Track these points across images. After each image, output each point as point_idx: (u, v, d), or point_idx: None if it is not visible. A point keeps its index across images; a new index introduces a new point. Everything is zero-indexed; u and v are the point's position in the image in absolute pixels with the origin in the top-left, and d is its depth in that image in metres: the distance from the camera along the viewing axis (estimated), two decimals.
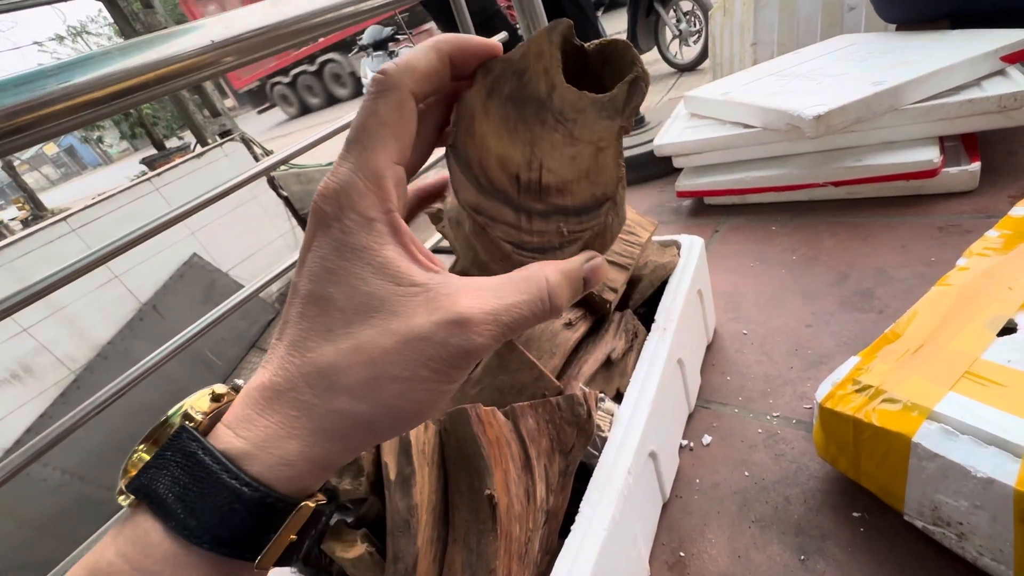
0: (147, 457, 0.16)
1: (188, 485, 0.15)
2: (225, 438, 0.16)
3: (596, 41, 0.21)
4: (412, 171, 0.21)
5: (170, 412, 0.17)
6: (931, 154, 0.74)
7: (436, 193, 0.25)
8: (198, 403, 0.17)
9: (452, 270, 0.26)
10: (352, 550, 0.36)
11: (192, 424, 0.16)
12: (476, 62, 0.20)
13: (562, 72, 0.19)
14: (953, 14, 0.92)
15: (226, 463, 0.15)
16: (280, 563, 0.16)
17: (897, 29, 1.02)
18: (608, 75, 0.21)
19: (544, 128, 0.20)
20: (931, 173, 0.75)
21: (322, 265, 0.17)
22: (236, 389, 0.17)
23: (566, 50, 0.20)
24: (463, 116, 0.20)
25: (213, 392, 0.17)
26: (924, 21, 0.96)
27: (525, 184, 0.20)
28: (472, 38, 0.20)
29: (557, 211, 0.20)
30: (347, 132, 0.18)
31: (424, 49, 0.19)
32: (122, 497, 0.15)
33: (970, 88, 0.74)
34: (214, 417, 0.17)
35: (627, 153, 1.20)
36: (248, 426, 0.16)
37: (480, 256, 0.23)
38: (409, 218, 0.24)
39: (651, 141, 1.07)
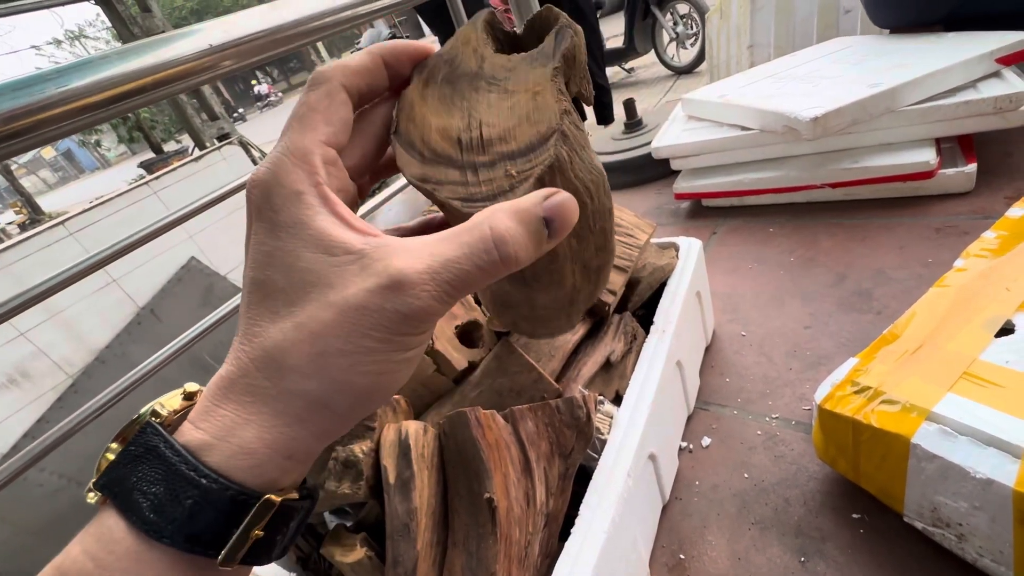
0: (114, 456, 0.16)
1: (152, 480, 0.14)
2: (187, 432, 0.15)
3: (525, 23, 0.22)
4: (361, 167, 0.21)
5: (141, 411, 0.17)
6: (928, 155, 0.74)
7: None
8: (168, 401, 0.17)
9: None
10: (351, 554, 0.36)
11: (158, 420, 0.16)
12: (411, 63, 0.21)
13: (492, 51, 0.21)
14: (947, 19, 0.93)
15: (185, 455, 0.15)
16: (249, 561, 0.16)
17: (891, 33, 1.03)
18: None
19: (479, 92, 0.21)
20: (928, 174, 0.75)
21: (259, 250, 0.16)
22: None
23: (497, 38, 0.22)
24: (403, 107, 0.21)
25: (185, 391, 0.17)
26: (917, 26, 0.97)
27: (467, 144, 0.20)
28: (405, 42, 0.21)
29: (502, 157, 0.20)
30: None
31: (359, 53, 0.20)
32: (91, 495, 0.15)
33: (966, 90, 0.74)
34: (184, 415, 0.17)
35: (625, 156, 1.20)
36: (206, 417, 0.15)
37: None
38: (373, 180, 0.24)
39: (649, 143, 1.07)
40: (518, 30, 0.23)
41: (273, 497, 0.16)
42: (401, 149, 0.21)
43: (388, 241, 0.16)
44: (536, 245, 0.17)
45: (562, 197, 0.18)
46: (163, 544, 0.14)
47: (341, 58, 0.20)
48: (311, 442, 0.16)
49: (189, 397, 0.17)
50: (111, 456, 0.16)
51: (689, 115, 1.06)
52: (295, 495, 0.17)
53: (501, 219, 0.17)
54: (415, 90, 0.21)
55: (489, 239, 0.16)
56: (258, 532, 0.15)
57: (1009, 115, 0.71)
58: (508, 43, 0.23)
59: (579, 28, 0.20)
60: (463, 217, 0.18)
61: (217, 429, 0.15)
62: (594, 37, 2.34)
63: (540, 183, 0.19)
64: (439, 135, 0.20)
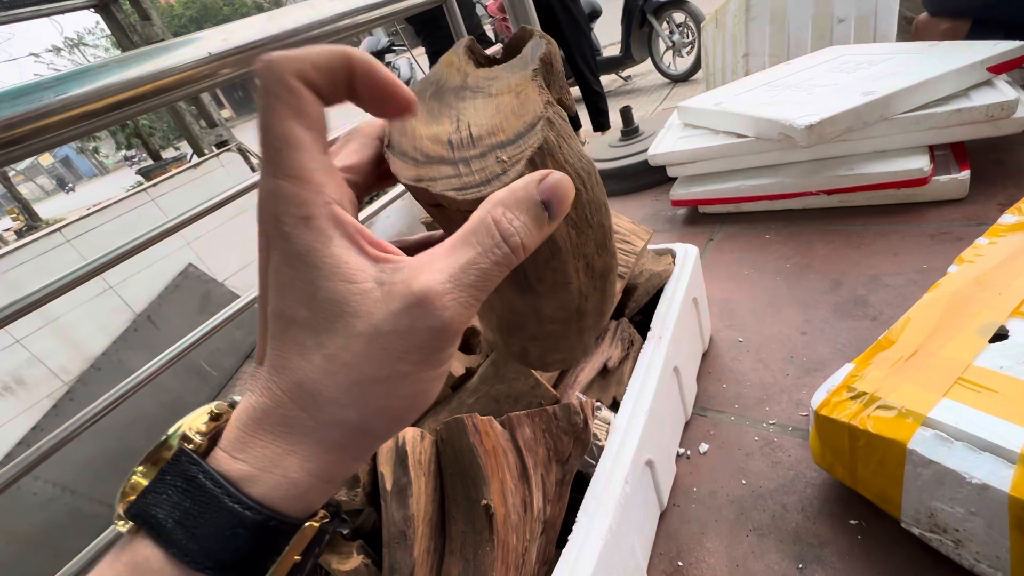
0: (144, 480, 0.15)
1: (189, 510, 0.14)
2: (224, 461, 0.15)
3: (502, 46, 0.25)
4: (362, 185, 0.21)
5: (169, 433, 0.16)
6: (921, 163, 0.75)
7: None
8: (196, 423, 0.16)
9: None
10: (348, 562, 0.36)
11: (191, 446, 0.16)
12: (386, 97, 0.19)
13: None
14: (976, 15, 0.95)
15: (227, 486, 0.15)
16: None
17: (920, 24, 1.04)
18: None
19: (465, 101, 0.22)
20: (922, 181, 0.76)
21: (275, 279, 0.16)
22: (233, 405, 0.17)
23: (479, 62, 0.23)
24: (395, 125, 0.22)
25: (211, 411, 0.17)
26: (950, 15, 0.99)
27: (457, 143, 0.20)
28: (377, 122, 0.21)
29: (493, 148, 0.20)
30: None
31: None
32: (121, 523, 0.15)
33: (958, 98, 0.75)
34: (212, 438, 0.16)
35: (621, 163, 1.21)
36: (244, 448, 0.15)
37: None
38: (368, 191, 0.22)
39: (645, 151, 1.08)
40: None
41: (314, 523, 0.16)
42: (395, 158, 0.21)
43: (404, 262, 0.16)
44: (539, 228, 0.18)
45: (556, 176, 0.18)
46: (204, 574, 0.14)
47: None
48: (350, 464, 0.17)
49: (216, 418, 0.17)
50: (140, 480, 0.15)
51: (685, 123, 1.06)
52: (325, 515, 0.17)
53: (500, 209, 0.17)
54: None
55: (496, 233, 0.17)
56: (296, 557, 0.16)
57: (1000, 123, 0.71)
58: (489, 67, 0.25)
59: (552, 39, 0.23)
60: (460, 205, 0.19)
61: (258, 460, 0.15)
62: (587, 43, 2.36)
63: (532, 165, 0.19)
64: (430, 141, 0.21)
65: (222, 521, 0.14)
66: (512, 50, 0.25)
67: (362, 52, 0.18)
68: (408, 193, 0.23)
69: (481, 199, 0.18)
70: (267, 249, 0.16)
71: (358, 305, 0.15)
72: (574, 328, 0.26)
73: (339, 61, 0.17)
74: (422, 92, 0.23)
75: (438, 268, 0.16)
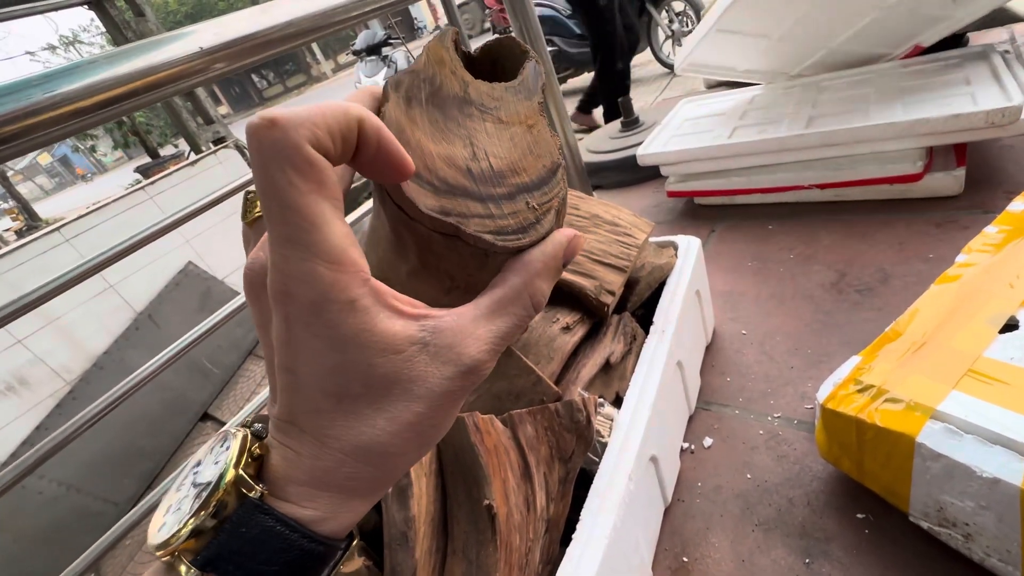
0: (201, 529, 0.16)
1: (265, 557, 0.16)
2: (293, 510, 0.17)
3: (480, 46, 0.23)
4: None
5: (220, 476, 0.17)
6: (915, 159, 0.73)
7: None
8: (237, 465, 0.17)
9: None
10: (349, 563, 0.36)
11: (255, 494, 0.17)
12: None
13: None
14: None
15: (302, 530, 0.16)
16: None
17: None
18: (500, 72, 0.23)
19: (473, 120, 0.21)
20: (915, 177, 0.74)
21: (321, 364, 0.17)
22: (256, 434, 0.18)
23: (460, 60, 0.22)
24: (391, 129, 0.19)
25: (252, 451, 0.18)
26: None
27: (479, 175, 0.20)
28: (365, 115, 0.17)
29: (520, 190, 0.20)
30: (268, 204, 0.15)
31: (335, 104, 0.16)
32: (184, 567, 0.16)
33: (960, 100, 0.71)
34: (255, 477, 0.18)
35: (622, 154, 1.20)
36: (312, 499, 0.17)
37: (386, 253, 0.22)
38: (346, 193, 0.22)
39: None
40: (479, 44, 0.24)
41: (356, 539, 0.19)
42: (410, 182, 0.19)
43: (439, 320, 0.18)
44: (553, 285, 0.20)
45: (578, 240, 0.20)
46: None
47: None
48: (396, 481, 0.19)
49: (257, 458, 0.18)
50: (201, 527, 0.16)
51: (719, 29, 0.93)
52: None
53: (535, 282, 0.19)
54: (397, 109, 0.20)
55: (530, 304, 0.19)
56: (341, 567, 0.18)
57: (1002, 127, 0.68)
58: (465, 63, 0.23)
59: (540, 57, 0.23)
60: (494, 250, 0.19)
61: (327, 507, 0.17)
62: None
63: (557, 215, 0.20)
64: (444, 164, 0.19)
65: (294, 559, 0.16)
66: (490, 55, 0.24)
67: (371, 115, 0.16)
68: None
69: (519, 249, 0.19)
70: (294, 326, 0.16)
71: (411, 372, 0.17)
72: None
73: (350, 126, 0.16)
74: (413, 89, 0.20)
75: (482, 338, 0.18)
